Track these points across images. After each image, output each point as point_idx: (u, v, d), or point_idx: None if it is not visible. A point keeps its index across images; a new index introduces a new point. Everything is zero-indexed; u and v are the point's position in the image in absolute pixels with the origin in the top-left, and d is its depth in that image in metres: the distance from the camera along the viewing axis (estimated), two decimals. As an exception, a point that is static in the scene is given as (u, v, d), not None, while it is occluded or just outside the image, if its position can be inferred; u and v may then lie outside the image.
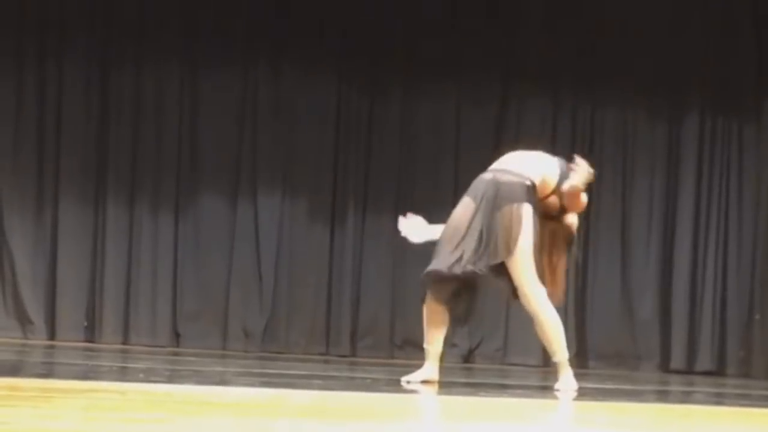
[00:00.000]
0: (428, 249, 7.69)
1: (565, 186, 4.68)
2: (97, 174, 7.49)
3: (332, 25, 7.67)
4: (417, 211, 7.77)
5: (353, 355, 7.38)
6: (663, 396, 5.72)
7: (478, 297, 4.79)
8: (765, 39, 7.81)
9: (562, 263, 4.82)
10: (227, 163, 7.61)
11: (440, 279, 4.66)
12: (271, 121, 7.65)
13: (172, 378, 4.84)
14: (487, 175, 4.78)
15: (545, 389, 5.67)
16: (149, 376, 4.68)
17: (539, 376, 6.86)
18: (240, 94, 7.63)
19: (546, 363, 7.66)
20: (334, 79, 7.70)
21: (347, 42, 7.70)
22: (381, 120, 7.74)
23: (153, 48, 7.53)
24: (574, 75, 7.84)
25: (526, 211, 4.64)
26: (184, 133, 7.59)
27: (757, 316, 7.65)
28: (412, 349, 7.52)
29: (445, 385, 4.90)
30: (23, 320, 7.34)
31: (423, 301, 4.77)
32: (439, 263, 4.64)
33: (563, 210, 4.76)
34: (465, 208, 4.72)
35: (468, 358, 7.61)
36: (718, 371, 7.68)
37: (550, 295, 4.75)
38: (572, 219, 4.81)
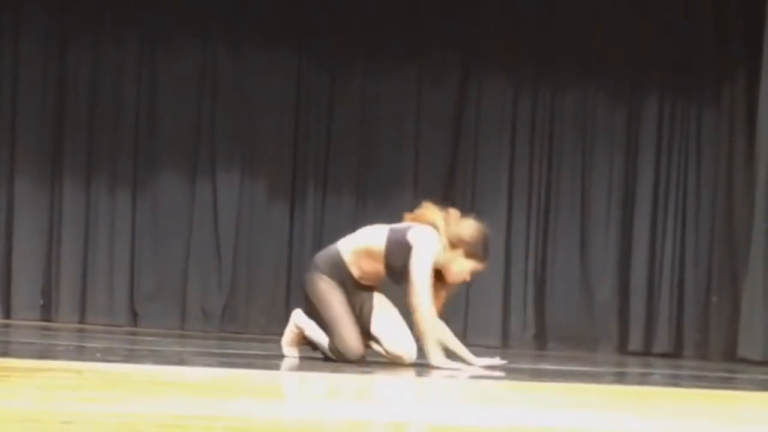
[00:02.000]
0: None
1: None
2: (53, 151, 7.41)
3: (293, 2, 7.62)
4: (377, 189, 7.82)
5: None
6: (621, 377, 5.75)
7: None
8: (725, 23, 7.85)
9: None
10: (186, 141, 7.56)
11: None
12: (230, 99, 7.60)
13: (129, 357, 4.80)
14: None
15: (504, 370, 5.68)
16: (106, 356, 4.65)
17: (499, 357, 6.86)
18: (199, 72, 7.57)
19: (506, 344, 7.70)
20: (294, 57, 7.66)
21: (308, 20, 7.65)
22: (341, 99, 7.72)
23: (110, 24, 7.45)
24: (534, 57, 7.84)
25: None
26: (142, 111, 7.52)
27: (714, 299, 7.72)
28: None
29: (406, 367, 4.89)
30: (-22, 299, 7.26)
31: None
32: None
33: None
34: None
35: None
36: (675, 353, 7.74)
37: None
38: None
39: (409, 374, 4.63)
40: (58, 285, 7.36)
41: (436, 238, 4.72)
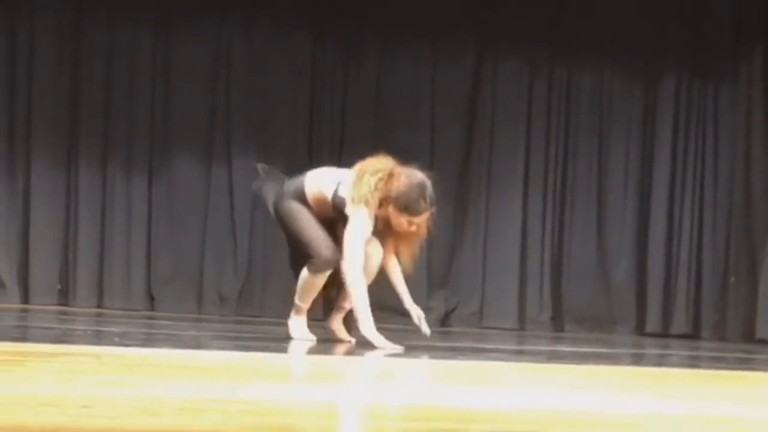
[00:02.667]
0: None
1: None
2: (69, 135, 7.42)
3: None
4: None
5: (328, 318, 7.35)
6: (638, 359, 5.74)
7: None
8: (741, 1, 7.79)
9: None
10: (201, 125, 7.55)
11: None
12: (244, 83, 7.59)
13: (147, 342, 4.81)
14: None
15: (520, 353, 5.68)
16: (124, 340, 4.66)
17: (515, 339, 6.88)
18: (213, 54, 7.56)
19: (522, 326, 7.69)
20: (308, 38, 7.64)
21: (321, 2, 7.63)
22: (356, 80, 7.70)
23: (124, 8, 7.44)
24: (550, 36, 7.80)
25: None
26: (157, 94, 7.52)
27: (732, 280, 7.68)
28: (387, 313, 7.49)
29: (422, 349, 4.90)
30: (-5, 284, 7.29)
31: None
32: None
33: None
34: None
35: (444, 321, 7.62)
36: (693, 334, 7.72)
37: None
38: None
39: (423, 357, 4.63)
40: (75, 270, 7.38)
41: (367, 216, 4.75)
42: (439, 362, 4.52)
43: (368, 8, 7.65)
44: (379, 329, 4.73)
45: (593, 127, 7.87)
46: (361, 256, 4.73)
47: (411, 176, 4.82)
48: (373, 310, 4.74)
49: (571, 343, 6.52)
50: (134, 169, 7.47)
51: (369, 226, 4.77)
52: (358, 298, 4.71)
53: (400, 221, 4.79)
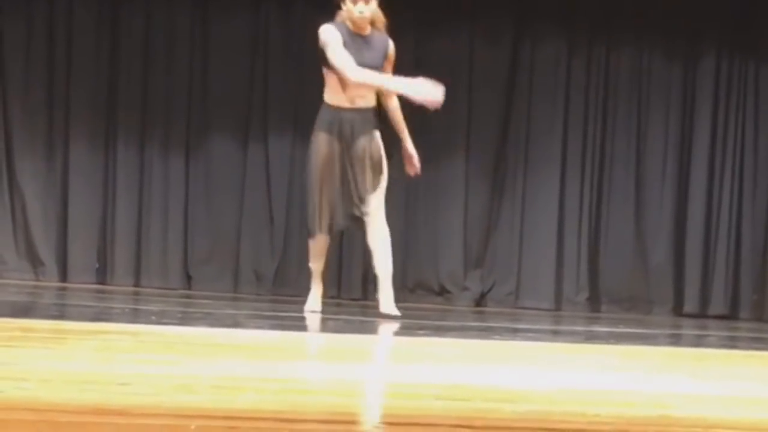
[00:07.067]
0: (437, 200, 7.67)
1: None
2: (107, 114, 7.46)
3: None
4: (429, 152, 7.80)
5: (365, 298, 7.38)
6: (676, 339, 5.71)
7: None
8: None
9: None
10: (238, 103, 7.56)
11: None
12: (282, 61, 7.59)
13: (184, 320, 4.84)
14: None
15: (557, 333, 5.67)
16: (161, 318, 4.69)
17: (551, 319, 6.86)
18: (251, 34, 7.56)
19: (559, 307, 7.67)
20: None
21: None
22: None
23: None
24: (589, 14, 7.74)
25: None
26: (195, 74, 7.54)
27: (771, 260, 7.62)
28: (425, 293, 7.52)
29: (458, 329, 4.90)
30: (35, 262, 7.36)
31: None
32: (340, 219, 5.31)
33: None
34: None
35: (480, 302, 7.61)
36: (732, 315, 7.66)
37: None
38: None
39: (457, 337, 4.63)
40: (113, 249, 7.43)
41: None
42: (475, 342, 4.51)
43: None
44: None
45: (631, 107, 7.81)
46: (350, 62, 5.27)
47: None
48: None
49: (608, 323, 6.50)
50: (171, 147, 7.50)
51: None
52: (371, 76, 5.35)
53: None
